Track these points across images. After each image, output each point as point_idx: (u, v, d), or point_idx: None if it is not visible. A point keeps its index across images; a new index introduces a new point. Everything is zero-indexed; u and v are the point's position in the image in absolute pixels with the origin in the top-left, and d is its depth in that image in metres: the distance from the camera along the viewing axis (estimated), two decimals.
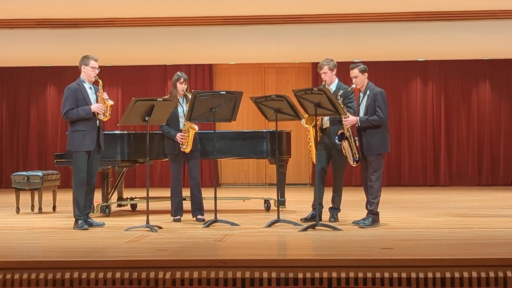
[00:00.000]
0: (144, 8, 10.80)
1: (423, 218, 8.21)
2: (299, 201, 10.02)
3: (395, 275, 5.08)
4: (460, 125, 14.15)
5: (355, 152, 7.29)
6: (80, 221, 7.38)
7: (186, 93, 7.89)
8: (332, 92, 7.31)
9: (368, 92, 7.28)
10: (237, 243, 6.36)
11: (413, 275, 5.08)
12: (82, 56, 7.61)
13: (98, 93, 7.51)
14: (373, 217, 7.27)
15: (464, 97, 14.16)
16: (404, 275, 5.07)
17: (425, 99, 14.21)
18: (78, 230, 7.27)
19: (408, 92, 14.28)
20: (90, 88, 7.55)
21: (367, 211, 7.32)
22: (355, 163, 7.35)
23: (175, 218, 7.95)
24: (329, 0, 10.63)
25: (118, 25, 11.42)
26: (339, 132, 7.29)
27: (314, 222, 7.09)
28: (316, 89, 7.29)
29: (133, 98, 7.22)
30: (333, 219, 7.67)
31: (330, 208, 7.76)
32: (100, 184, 8.63)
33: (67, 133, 7.63)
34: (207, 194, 8.40)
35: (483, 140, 14.06)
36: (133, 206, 9.41)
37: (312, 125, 7.51)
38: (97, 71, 7.52)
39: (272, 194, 9.87)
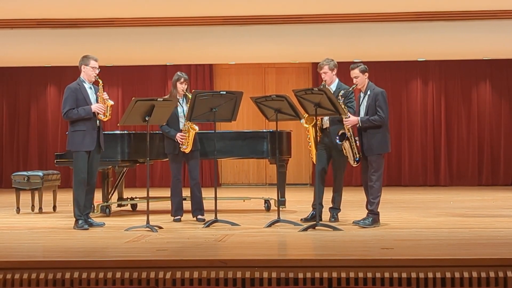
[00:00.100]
0: (144, 8, 10.80)
1: (423, 218, 8.21)
2: (299, 201, 10.02)
3: (395, 275, 5.08)
4: (460, 125, 14.15)
5: (355, 152, 7.29)
6: (80, 221, 7.38)
7: (186, 93, 7.89)
8: (332, 92, 7.32)
9: (369, 92, 7.28)
10: (237, 243, 6.35)
11: (413, 275, 5.08)
12: (82, 56, 7.61)
13: (98, 93, 7.51)
14: (373, 217, 7.27)
15: (464, 97, 14.16)
16: (404, 275, 5.07)
17: (425, 99, 14.21)
18: (78, 230, 7.27)
19: (408, 92, 14.28)
20: (90, 88, 7.55)
21: (367, 211, 7.32)
22: (355, 163, 7.34)
23: (175, 218, 7.95)
24: (329, 0, 10.62)
25: (118, 25, 11.41)
26: (340, 132, 7.28)
27: (314, 222, 7.09)
28: (316, 89, 7.29)
29: (133, 98, 7.22)
30: (333, 219, 7.67)
31: (330, 208, 7.76)
32: (100, 184, 8.63)
33: (67, 133, 7.64)
34: (207, 194, 8.40)
35: (483, 140, 14.06)
36: (133, 206, 9.41)
37: (312, 124, 7.51)
38: (97, 71, 7.52)
39: (272, 194, 9.87)
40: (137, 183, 14.06)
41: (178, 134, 7.82)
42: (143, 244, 6.25)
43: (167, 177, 12.93)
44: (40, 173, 9.11)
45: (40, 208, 9.07)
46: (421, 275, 5.08)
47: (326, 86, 7.58)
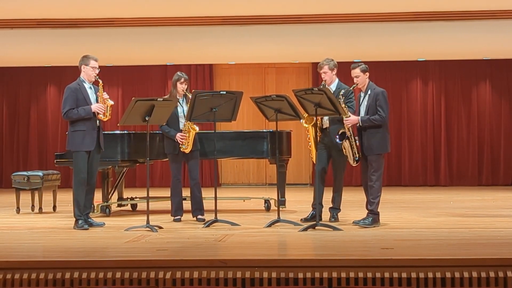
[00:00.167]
0: (144, 8, 10.80)
1: (423, 218, 8.21)
2: (299, 201, 10.02)
3: (395, 275, 5.08)
4: (460, 125, 14.15)
5: (355, 152, 7.29)
6: (80, 221, 7.38)
7: (186, 93, 7.89)
8: (332, 92, 7.32)
9: (369, 92, 7.28)
10: (237, 243, 6.36)
11: (413, 275, 5.08)
12: (82, 56, 7.61)
13: (98, 93, 7.50)
14: (373, 217, 7.27)
15: (464, 97, 14.16)
16: (404, 275, 5.07)
17: (425, 99, 14.21)
18: (78, 230, 7.27)
19: (408, 92, 14.27)
20: (90, 88, 7.55)
21: (367, 211, 7.32)
22: (355, 162, 7.34)
23: (175, 218, 7.95)
24: (329, 0, 10.63)
25: (118, 25, 11.41)
26: (340, 131, 7.28)
27: (314, 222, 7.09)
28: (316, 89, 7.29)
29: (133, 98, 7.22)
30: (333, 219, 7.67)
31: (330, 208, 7.75)
32: (100, 184, 8.63)
33: (67, 133, 7.63)
34: (207, 194, 8.40)
35: (483, 140, 14.06)
36: (133, 206, 9.41)
37: (312, 124, 7.51)
38: (97, 71, 7.52)
39: (272, 194, 9.87)
40: (137, 183, 14.06)
41: (178, 134, 7.82)
42: (143, 244, 6.25)
43: (167, 177, 12.94)
44: (40, 173, 9.12)
45: (40, 208, 9.07)
46: (421, 275, 5.08)
47: (326, 86, 7.58)
